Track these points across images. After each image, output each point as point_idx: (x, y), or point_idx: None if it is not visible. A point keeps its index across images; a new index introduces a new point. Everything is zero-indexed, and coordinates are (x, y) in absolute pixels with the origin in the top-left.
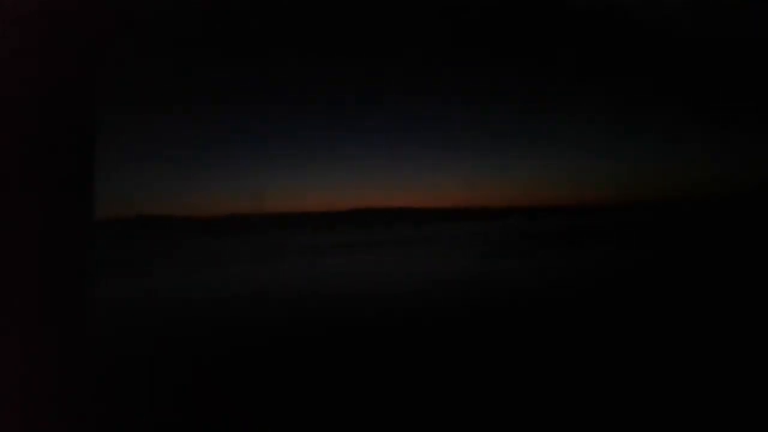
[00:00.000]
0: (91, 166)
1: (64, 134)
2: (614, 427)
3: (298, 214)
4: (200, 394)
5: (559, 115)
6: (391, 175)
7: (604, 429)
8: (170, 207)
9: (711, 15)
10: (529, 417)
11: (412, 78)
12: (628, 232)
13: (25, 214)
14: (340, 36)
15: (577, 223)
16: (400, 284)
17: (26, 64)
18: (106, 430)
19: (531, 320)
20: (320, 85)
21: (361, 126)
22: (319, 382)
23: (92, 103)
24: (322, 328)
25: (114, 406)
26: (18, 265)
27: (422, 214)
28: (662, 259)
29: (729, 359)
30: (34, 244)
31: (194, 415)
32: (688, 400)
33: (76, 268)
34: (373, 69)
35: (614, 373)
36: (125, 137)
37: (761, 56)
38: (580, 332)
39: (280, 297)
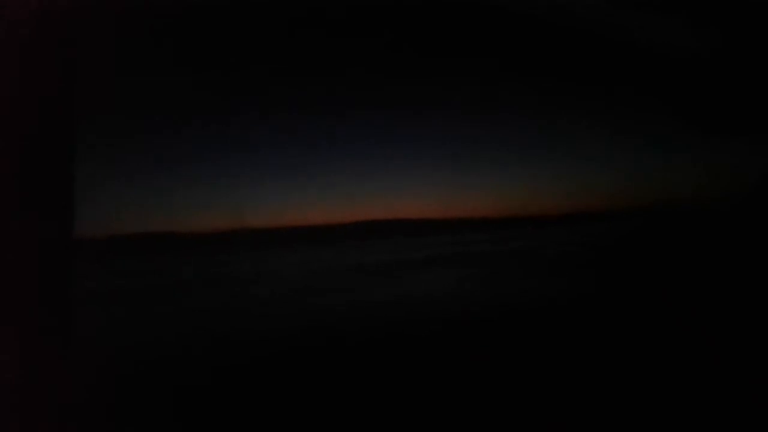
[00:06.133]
0: (71, 177)
1: (55, 137)
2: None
3: (292, 229)
4: (200, 399)
5: (556, 125)
6: (387, 186)
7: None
8: (165, 223)
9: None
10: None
11: (413, 87)
12: (631, 240)
13: (18, 218)
14: (341, 46)
15: (576, 232)
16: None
17: (18, 67)
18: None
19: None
20: (321, 95)
21: (354, 135)
22: (337, 393)
23: (75, 116)
24: (323, 341)
25: (112, 410)
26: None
27: (419, 226)
28: (663, 265)
29: (729, 364)
30: (28, 248)
31: (192, 420)
32: (688, 404)
33: (71, 273)
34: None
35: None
36: (118, 152)
37: (750, 64)
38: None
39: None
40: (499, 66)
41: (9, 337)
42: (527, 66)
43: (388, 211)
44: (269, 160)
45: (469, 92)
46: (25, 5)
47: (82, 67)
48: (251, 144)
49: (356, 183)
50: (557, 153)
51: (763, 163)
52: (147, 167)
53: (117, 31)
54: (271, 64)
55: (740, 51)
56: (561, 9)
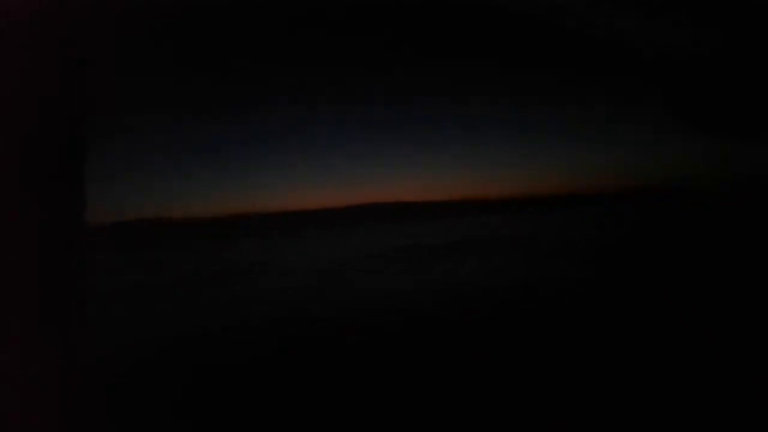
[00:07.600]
0: (82, 166)
1: (56, 136)
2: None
3: (298, 213)
4: (203, 397)
5: (553, 114)
6: (388, 170)
7: None
8: (171, 209)
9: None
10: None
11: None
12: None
13: (18, 217)
14: (343, 45)
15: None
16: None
17: (19, 67)
18: (105, 430)
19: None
20: (327, 86)
21: (358, 124)
22: (343, 385)
23: (75, 116)
24: (329, 331)
25: (113, 408)
26: (10, 269)
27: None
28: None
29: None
30: (29, 247)
31: (195, 417)
32: (688, 403)
33: (72, 271)
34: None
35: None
36: (127, 140)
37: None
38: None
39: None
40: (500, 67)
41: (9, 337)
42: (527, 66)
43: (389, 195)
44: (274, 149)
45: (470, 91)
46: (25, 5)
47: (82, 67)
48: (255, 140)
49: (356, 167)
50: (555, 155)
51: (763, 163)
52: (147, 167)
53: (117, 31)
54: (272, 57)
55: (740, 51)
56: (561, 9)
